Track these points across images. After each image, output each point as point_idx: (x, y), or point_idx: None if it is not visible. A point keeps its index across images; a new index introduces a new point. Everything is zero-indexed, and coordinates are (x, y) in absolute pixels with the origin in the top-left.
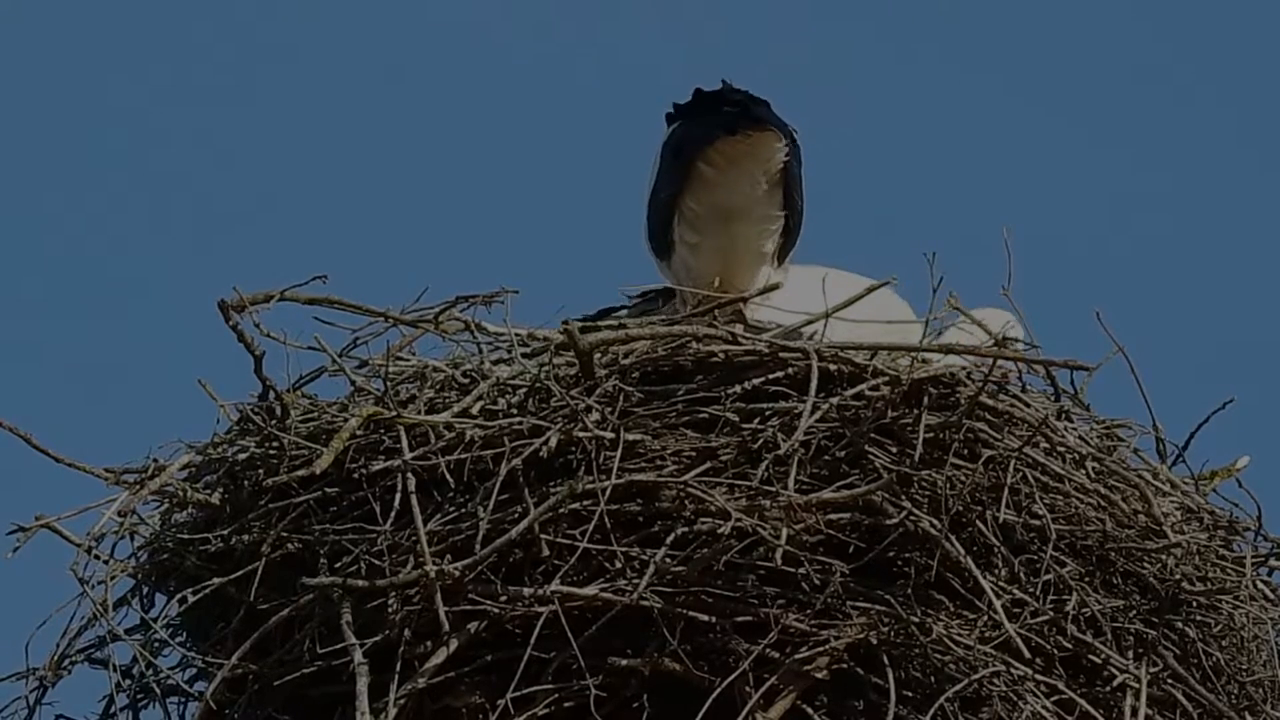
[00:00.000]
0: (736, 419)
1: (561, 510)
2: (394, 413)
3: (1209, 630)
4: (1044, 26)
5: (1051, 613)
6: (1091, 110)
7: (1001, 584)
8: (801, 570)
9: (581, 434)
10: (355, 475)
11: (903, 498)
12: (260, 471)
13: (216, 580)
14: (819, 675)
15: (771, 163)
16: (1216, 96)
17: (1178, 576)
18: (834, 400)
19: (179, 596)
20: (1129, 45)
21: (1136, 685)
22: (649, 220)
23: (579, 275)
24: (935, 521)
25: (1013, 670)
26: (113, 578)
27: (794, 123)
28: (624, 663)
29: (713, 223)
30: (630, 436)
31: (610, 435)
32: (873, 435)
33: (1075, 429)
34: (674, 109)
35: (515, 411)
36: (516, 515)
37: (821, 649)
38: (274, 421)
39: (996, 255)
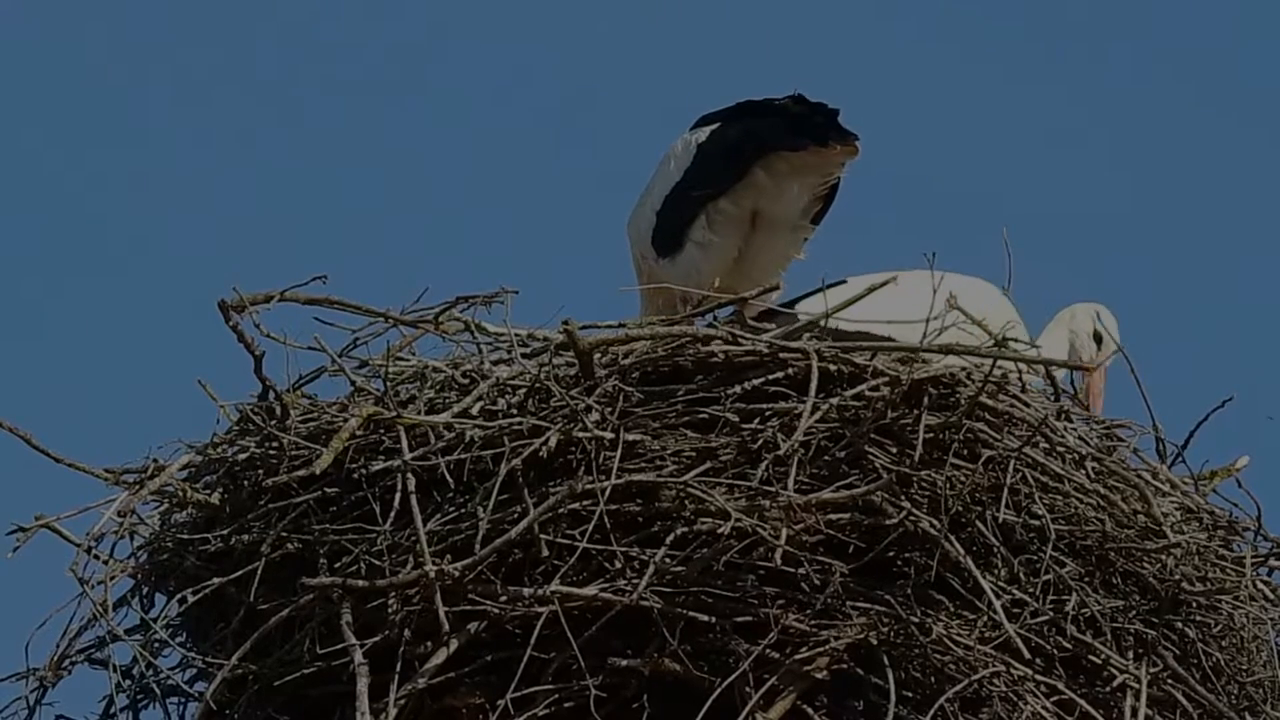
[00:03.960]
0: (736, 419)
1: (561, 510)
2: (394, 413)
3: (1209, 630)
4: (1069, 25)
5: (1051, 613)
6: (1092, 109)
7: (1001, 584)
8: (801, 570)
9: (581, 434)
10: (355, 475)
11: (902, 498)
12: (260, 471)
13: (216, 580)
14: (819, 675)
15: (832, 177)
16: (1219, 100)
17: (1177, 576)
18: (834, 401)
19: (179, 596)
20: (1142, 46)
21: (1136, 685)
22: (663, 216)
23: (579, 275)
24: (935, 521)
25: (1013, 670)
26: (113, 578)
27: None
28: (624, 663)
29: (741, 228)
30: (630, 436)
31: (610, 435)
32: (873, 435)
33: (1075, 429)
34: (746, 104)
35: (515, 412)
36: (516, 515)
37: (821, 649)
38: (274, 421)
39: (995, 254)
